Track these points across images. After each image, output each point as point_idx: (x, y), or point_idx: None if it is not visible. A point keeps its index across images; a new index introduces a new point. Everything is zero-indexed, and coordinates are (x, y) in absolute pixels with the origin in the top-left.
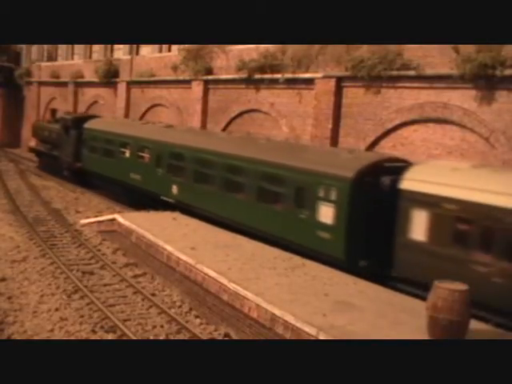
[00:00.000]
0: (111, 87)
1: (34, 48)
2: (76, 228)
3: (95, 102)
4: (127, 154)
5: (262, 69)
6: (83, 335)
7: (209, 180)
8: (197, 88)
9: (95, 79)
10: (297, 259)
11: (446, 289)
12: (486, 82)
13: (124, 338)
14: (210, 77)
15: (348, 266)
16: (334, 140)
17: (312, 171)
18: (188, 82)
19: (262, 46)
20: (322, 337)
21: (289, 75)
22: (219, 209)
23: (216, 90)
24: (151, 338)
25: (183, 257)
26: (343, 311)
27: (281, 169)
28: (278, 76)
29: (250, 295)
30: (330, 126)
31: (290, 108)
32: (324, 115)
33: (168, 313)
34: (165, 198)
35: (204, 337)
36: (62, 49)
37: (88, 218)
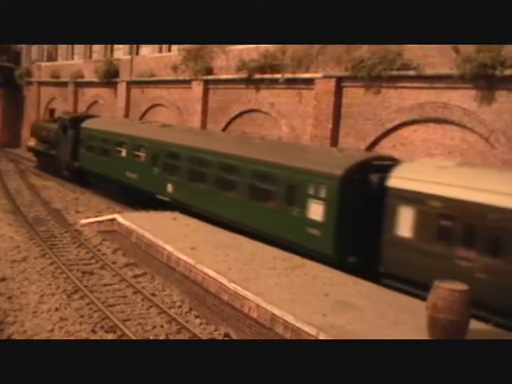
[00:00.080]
0: (111, 87)
1: (34, 48)
2: (76, 228)
3: (95, 102)
4: (124, 153)
5: (262, 69)
6: (83, 335)
7: (203, 178)
8: (197, 88)
9: (95, 79)
10: (297, 259)
11: (446, 289)
12: (485, 82)
13: (124, 337)
14: (210, 77)
15: (337, 262)
16: (334, 140)
17: (302, 169)
18: (188, 82)
19: (262, 46)
20: (322, 337)
21: (289, 75)
22: (213, 207)
23: (216, 90)
24: (151, 337)
25: (183, 257)
26: (343, 311)
27: (272, 167)
28: (278, 76)
29: (249, 295)
30: (330, 125)
31: (290, 108)
32: (324, 115)
33: (168, 313)
34: (160, 197)
35: (204, 337)
36: (62, 49)
37: (88, 218)
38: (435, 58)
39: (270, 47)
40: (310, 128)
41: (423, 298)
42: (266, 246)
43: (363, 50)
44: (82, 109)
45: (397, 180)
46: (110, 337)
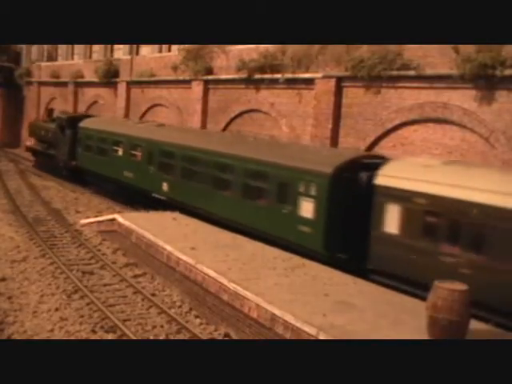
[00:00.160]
0: (111, 87)
1: (34, 48)
2: (76, 228)
3: (95, 102)
4: (120, 153)
5: (262, 69)
6: (83, 335)
7: (197, 177)
8: (197, 88)
9: (95, 79)
10: (297, 259)
11: (445, 289)
12: (486, 82)
13: (124, 337)
14: (210, 77)
15: (327, 258)
16: (334, 140)
17: (293, 168)
18: (188, 82)
19: (262, 46)
20: (321, 337)
21: (289, 75)
22: (207, 205)
23: (216, 90)
24: (151, 337)
25: (183, 257)
26: (343, 311)
27: (264, 165)
28: (278, 76)
29: (249, 295)
30: (330, 125)
31: (290, 108)
32: (324, 115)
33: (168, 313)
34: (156, 195)
35: (204, 337)
36: (62, 49)
37: (88, 218)
38: (435, 58)
39: (270, 47)
40: (309, 128)
41: (410, 294)
42: (266, 246)
43: (363, 50)
44: (82, 109)
45: (384, 178)
46: (110, 337)
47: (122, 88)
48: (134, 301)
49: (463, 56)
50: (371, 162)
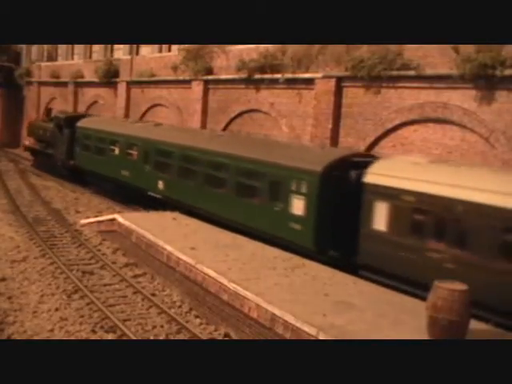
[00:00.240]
0: (111, 87)
1: (34, 48)
2: (76, 228)
3: (95, 102)
4: (117, 152)
5: (262, 69)
6: (83, 335)
7: (191, 175)
8: (197, 88)
9: (95, 79)
10: (297, 259)
11: (445, 289)
12: (486, 82)
13: (124, 337)
14: (210, 77)
15: (317, 255)
16: (334, 140)
17: (285, 166)
18: (188, 82)
19: (262, 46)
20: (321, 337)
21: (289, 75)
22: (202, 203)
23: (216, 90)
24: (151, 338)
25: (183, 257)
26: (343, 311)
27: (257, 164)
28: (278, 76)
29: (249, 295)
30: (330, 126)
31: (290, 108)
32: (324, 115)
33: (168, 313)
34: (152, 194)
35: (204, 337)
36: (62, 49)
37: (88, 218)
38: (435, 58)
39: (270, 47)
40: (309, 128)
41: (398, 290)
42: (266, 246)
43: (363, 50)
44: (82, 109)
45: (373, 176)
46: (110, 337)
47: (121, 88)
48: (134, 301)
49: (463, 56)
50: (361, 161)
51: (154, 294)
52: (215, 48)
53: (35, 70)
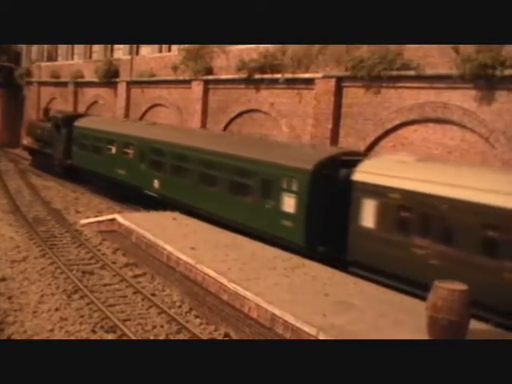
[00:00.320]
0: (111, 87)
1: (34, 48)
2: (76, 228)
3: (95, 102)
4: (113, 151)
5: (262, 69)
6: (83, 335)
7: (186, 174)
8: (197, 88)
9: (95, 79)
10: (297, 259)
11: (445, 289)
12: (485, 82)
13: (124, 337)
14: (210, 77)
15: (307, 251)
16: (334, 140)
17: (276, 164)
18: (188, 82)
19: (262, 46)
20: (321, 337)
21: (289, 75)
22: (196, 201)
23: (216, 90)
24: (151, 338)
25: (183, 257)
26: (343, 311)
27: (249, 162)
28: (278, 76)
29: (249, 295)
30: (330, 126)
31: (290, 108)
32: (324, 115)
33: (168, 313)
34: (147, 192)
35: (204, 337)
36: (62, 49)
37: (88, 218)
38: (435, 58)
39: (270, 47)
40: (309, 128)
41: (387, 286)
42: (265, 246)
43: (363, 50)
44: (81, 109)
45: (361, 174)
46: (110, 337)
47: (121, 88)
48: (134, 301)
49: (463, 56)
50: (351, 159)
51: (153, 294)
52: (215, 48)
53: (35, 70)
